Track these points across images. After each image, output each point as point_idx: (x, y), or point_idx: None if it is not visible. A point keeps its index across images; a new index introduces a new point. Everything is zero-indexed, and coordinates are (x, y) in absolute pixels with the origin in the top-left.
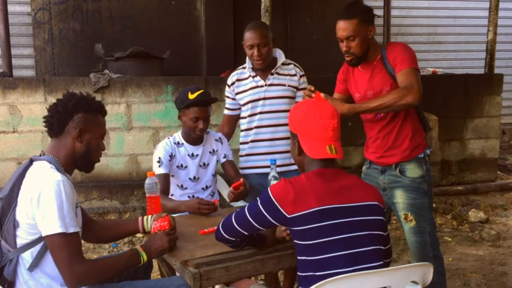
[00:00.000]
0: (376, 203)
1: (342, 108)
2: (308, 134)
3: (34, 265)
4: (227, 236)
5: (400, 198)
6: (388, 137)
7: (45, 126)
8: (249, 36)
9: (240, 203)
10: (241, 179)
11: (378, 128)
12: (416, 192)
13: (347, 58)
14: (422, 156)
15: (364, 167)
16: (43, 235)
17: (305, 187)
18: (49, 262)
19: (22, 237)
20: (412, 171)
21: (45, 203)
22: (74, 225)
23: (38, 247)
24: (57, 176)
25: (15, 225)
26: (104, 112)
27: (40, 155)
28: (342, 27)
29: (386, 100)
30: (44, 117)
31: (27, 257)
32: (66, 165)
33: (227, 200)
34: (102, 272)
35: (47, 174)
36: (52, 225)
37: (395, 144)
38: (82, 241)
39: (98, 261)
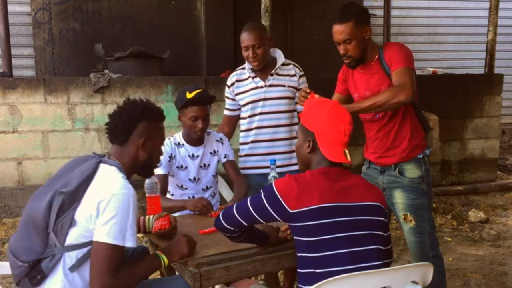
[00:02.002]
0: (378, 203)
1: None
2: (327, 136)
3: (76, 267)
4: (226, 225)
5: (399, 198)
6: (386, 137)
7: (108, 133)
8: (243, 38)
9: None
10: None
11: (376, 128)
12: (415, 193)
13: (345, 61)
14: (421, 156)
15: (363, 167)
16: (94, 239)
17: (309, 184)
18: (88, 267)
19: (74, 237)
20: (411, 171)
21: (111, 211)
22: (133, 240)
23: (84, 250)
24: (129, 188)
25: (72, 224)
26: (164, 118)
27: (104, 156)
28: (338, 31)
29: (378, 99)
30: (107, 124)
31: (71, 257)
32: (128, 171)
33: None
34: (128, 281)
35: (119, 183)
36: (109, 234)
37: (393, 145)
38: None
39: (124, 273)
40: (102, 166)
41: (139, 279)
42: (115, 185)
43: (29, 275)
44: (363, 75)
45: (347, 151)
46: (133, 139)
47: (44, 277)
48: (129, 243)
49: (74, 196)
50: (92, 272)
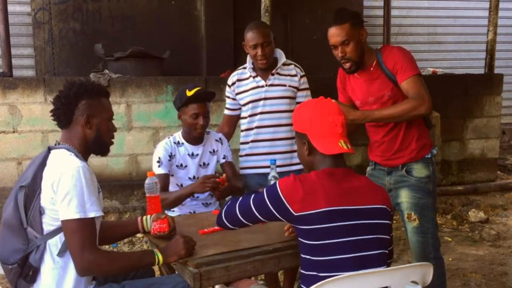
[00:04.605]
0: (384, 206)
1: (354, 114)
2: (319, 132)
3: (63, 251)
4: (229, 225)
5: (404, 197)
6: (394, 141)
7: (54, 120)
8: (252, 36)
9: None
10: (224, 175)
11: (383, 133)
12: (421, 192)
13: (345, 65)
14: (429, 156)
15: (368, 168)
16: (60, 219)
17: (315, 186)
18: None
19: (49, 223)
20: (419, 171)
21: (63, 189)
22: (95, 210)
23: None
24: (76, 163)
25: (41, 212)
26: (106, 94)
27: (55, 145)
28: (335, 33)
29: (399, 109)
30: (51, 111)
31: (55, 242)
32: (81, 152)
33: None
34: (112, 263)
35: (67, 160)
36: (69, 210)
37: (402, 147)
38: None
39: (109, 252)
40: (52, 152)
41: (127, 267)
42: (63, 164)
43: (22, 274)
44: (362, 81)
45: (343, 141)
46: (77, 119)
47: (35, 271)
48: (92, 214)
49: (34, 186)
50: (71, 251)
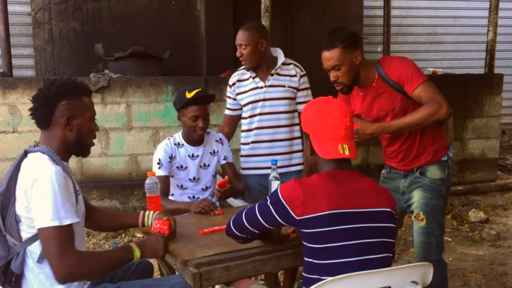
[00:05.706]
0: (389, 209)
1: (371, 128)
2: (320, 134)
3: (43, 257)
4: (238, 233)
5: (416, 197)
6: (410, 149)
7: (32, 119)
8: (236, 36)
9: (239, 202)
10: (226, 177)
11: (398, 143)
12: (433, 193)
13: (337, 88)
14: (445, 159)
15: (384, 171)
16: (36, 227)
17: (316, 188)
18: None
19: (25, 230)
20: (433, 172)
21: (37, 196)
22: (71, 216)
23: None
24: (50, 169)
25: (17, 220)
26: (88, 93)
27: (34, 146)
28: (326, 58)
29: (417, 117)
30: (29, 109)
31: (34, 249)
32: (61, 154)
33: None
34: (93, 264)
35: (41, 166)
36: (44, 218)
37: (418, 153)
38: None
39: (88, 253)
40: (29, 156)
41: (107, 267)
42: (36, 170)
43: (6, 280)
44: (367, 98)
45: (345, 146)
46: (56, 120)
47: (18, 277)
48: (67, 221)
49: (8, 193)
50: (49, 258)
